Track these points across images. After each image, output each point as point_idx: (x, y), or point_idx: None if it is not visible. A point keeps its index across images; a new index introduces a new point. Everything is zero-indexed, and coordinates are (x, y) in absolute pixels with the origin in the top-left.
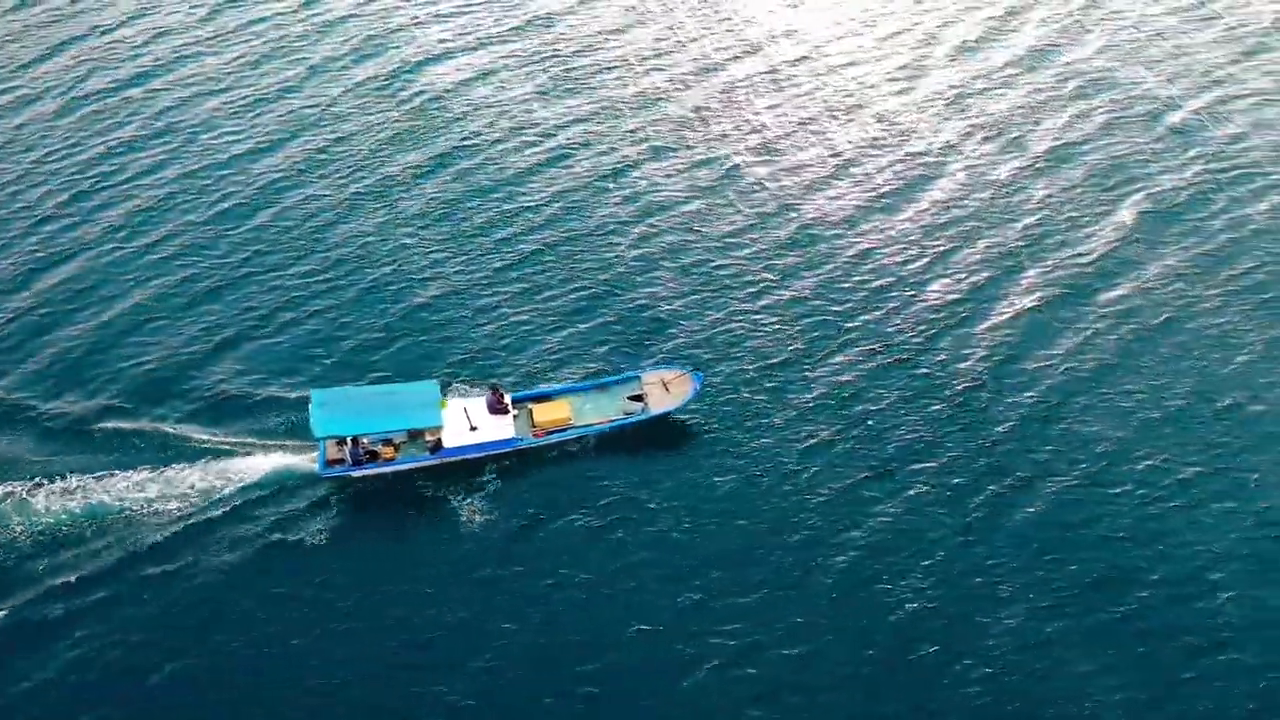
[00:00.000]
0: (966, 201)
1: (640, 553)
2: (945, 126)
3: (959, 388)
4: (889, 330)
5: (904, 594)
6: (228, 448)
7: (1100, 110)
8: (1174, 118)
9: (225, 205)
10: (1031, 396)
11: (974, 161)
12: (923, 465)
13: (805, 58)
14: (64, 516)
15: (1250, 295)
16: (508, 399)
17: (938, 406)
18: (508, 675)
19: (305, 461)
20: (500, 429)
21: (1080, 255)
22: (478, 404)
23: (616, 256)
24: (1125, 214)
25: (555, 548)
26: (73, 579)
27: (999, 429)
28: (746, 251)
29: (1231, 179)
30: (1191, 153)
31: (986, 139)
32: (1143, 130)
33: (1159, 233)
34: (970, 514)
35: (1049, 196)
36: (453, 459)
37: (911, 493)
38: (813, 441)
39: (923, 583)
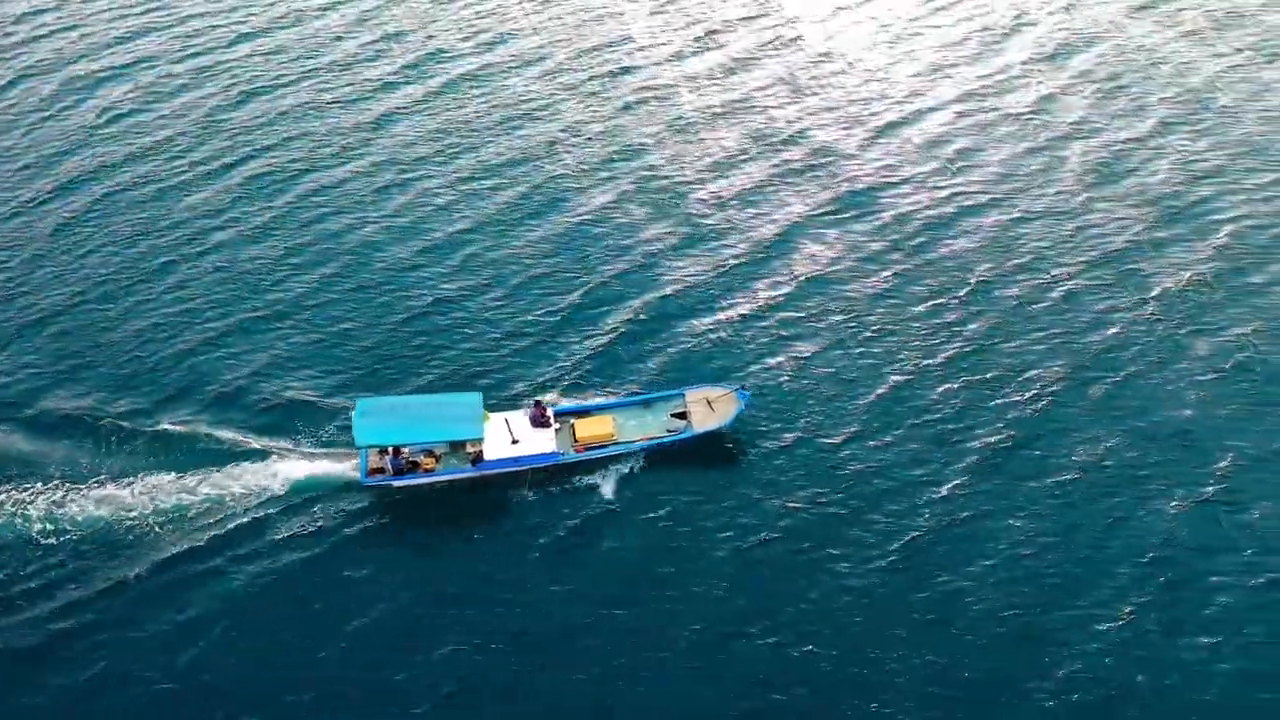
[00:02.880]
0: (1015, 211)
1: (680, 569)
2: (987, 134)
3: (1003, 399)
4: (943, 345)
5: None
6: (271, 453)
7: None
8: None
9: (282, 216)
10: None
11: (1018, 169)
12: (976, 469)
13: (840, 68)
14: (101, 518)
15: None
16: (550, 413)
17: (989, 417)
18: (543, 691)
19: (348, 470)
20: (541, 443)
21: (1128, 266)
22: (520, 417)
23: (664, 274)
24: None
25: (594, 563)
26: (105, 581)
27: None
28: (798, 272)
29: None
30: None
31: (1023, 145)
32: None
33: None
34: (1022, 535)
35: (1103, 212)
36: (493, 471)
37: (973, 503)
38: (861, 465)
39: (982, 597)
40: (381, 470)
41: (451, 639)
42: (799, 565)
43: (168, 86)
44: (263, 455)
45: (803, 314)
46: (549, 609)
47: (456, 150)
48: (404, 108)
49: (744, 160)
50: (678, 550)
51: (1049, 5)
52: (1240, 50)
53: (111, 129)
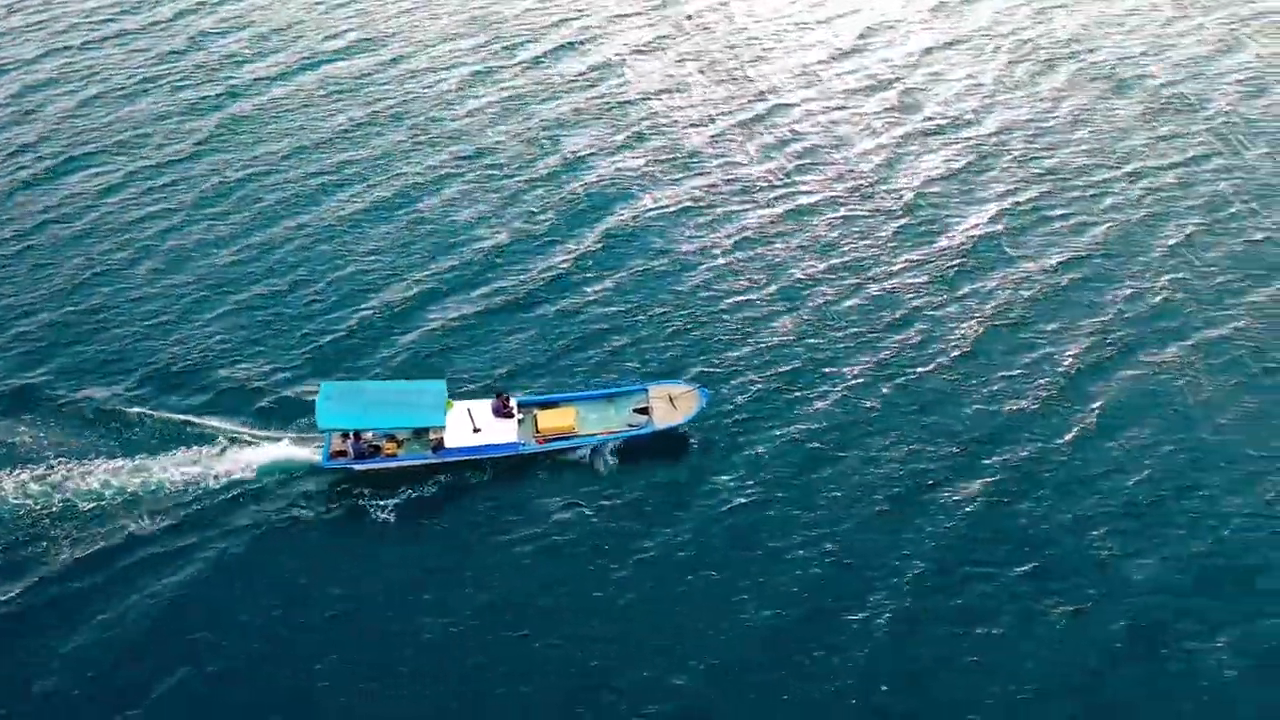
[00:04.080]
0: (976, 218)
1: (630, 565)
2: (955, 142)
3: (970, 401)
4: (902, 353)
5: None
6: (235, 436)
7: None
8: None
9: (249, 202)
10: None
11: (986, 176)
12: (933, 482)
13: (812, 74)
14: (65, 501)
15: None
16: (513, 403)
17: (949, 423)
18: (489, 675)
19: (311, 453)
20: (503, 432)
21: (1111, 289)
22: (483, 406)
23: (632, 270)
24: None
25: (547, 552)
26: (70, 563)
27: (988, 435)
28: (765, 269)
29: None
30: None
31: (1000, 158)
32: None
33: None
34: (970, 529)
35: (1078, 220)
36: (454, 459)
37: (927, 511)
38: (817, 467)
39: (915, 599)
40: (343, 453)
41: (398, 621)
42: (750, 559)
43: (119, 78)
44: (226, 439)
45: (777, 318)
46: (501, 595)
47: (428, 140)
48: (384, 97)
49: (721, 162)
50: (629, 540)
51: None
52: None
53: (78, 116)
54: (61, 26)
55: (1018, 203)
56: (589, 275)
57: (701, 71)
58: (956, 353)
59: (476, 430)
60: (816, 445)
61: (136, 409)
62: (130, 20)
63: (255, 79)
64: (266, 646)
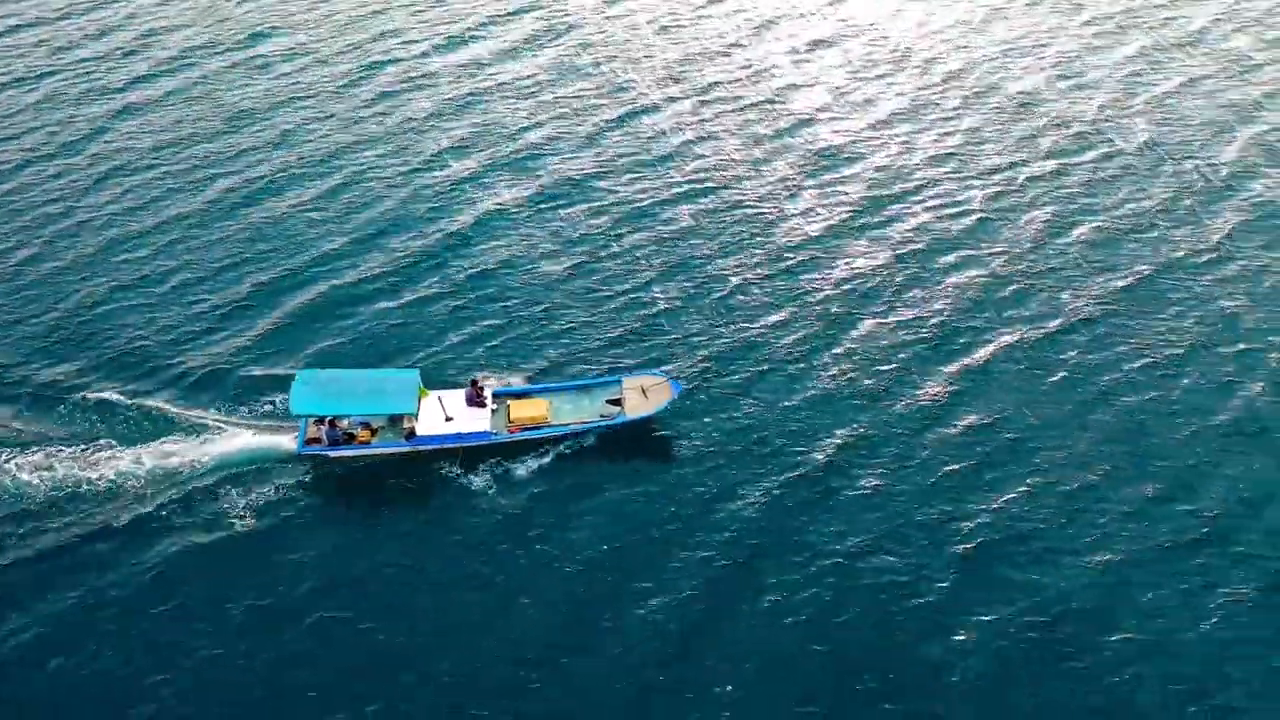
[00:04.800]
0: (954, 217)
1: (601, 552)
2: (937, 141)
3: (937, 394)
4: (877, 347)
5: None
6: (214, 424)
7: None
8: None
9: (229, 189)
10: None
11: (964, 178)
12: (902, 472)
13: (790, 79)
14: (39, 487)
15: None
16: (487, 393)
17: (916, 416)
18: (450, 663)
19: (288, 440)
20: (475, 422)
21: (1080, 281)
22: (456, 395)
23: (615, 261)
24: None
25: (512, 541)
26: (43, 549)
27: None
28: (739, 262)
29: None
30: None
31: (984, 156)
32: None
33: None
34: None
35: (1045, 219)
36: (427, 447)
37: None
38: (786, 461)
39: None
40: (318, 440)
41: (364, 608)
42: (711, 558)
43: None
44: (205, 425)
45: (754, 310)
46: (461, 584)
47: (407, 129)
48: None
49: (703, 155)
50: (596, 530)
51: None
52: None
53: (92, 105)
54: None
55: (1000, 185)
56: (574, 267)
57: (666, 67)
58: (947, 352)
59: (449, 419)
60: (789, 440)
61: (113, 395)
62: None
63: (230, 67)
64: (232, 636)
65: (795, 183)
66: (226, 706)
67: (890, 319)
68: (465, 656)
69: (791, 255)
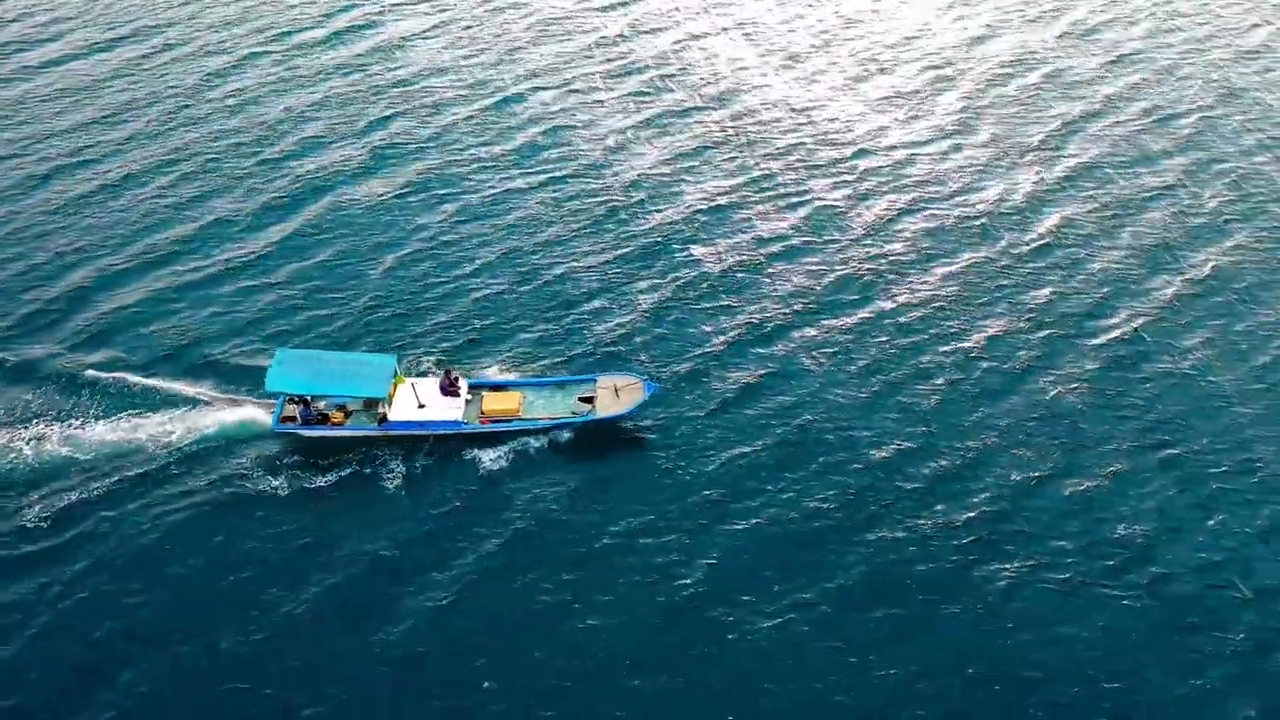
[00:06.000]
0: (932, 211)
1: (555, 546)
2: (914, 136)
3: (914, 399)
4: (855, 349)
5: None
6: (192, 397)
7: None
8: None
9: (220, 172)
10: (985, 403)
11: (934, 172)
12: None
13: (769, 77)
14: (12, 458)
15: None
16: (462, 384)
17: (893, 417)
18: (399, 649)
19: (265, 417)
20: (447, 410)
21: (1052, 287)
22: (430, 384)
23: (595, 258)
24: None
25: (472, 529)
26: (15, 521)
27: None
28: (720, 266)
29: None
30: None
31: (948, 143)
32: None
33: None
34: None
35: (1012, 215)
36: (398, 433)
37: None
38: (757, 464)
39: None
40: (293, 419)
41: (327, 584)
42: (661, 561)
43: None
44: (182, 399)
45: (728, 313)
46: (414, 569)
47: (410, 111)
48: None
49: (681, 156)
50: (557, 524)
51: None
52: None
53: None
54: None
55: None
56: (557, 261)
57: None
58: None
59: (421, 406)
60: (759, 444)
61: (96, 370)
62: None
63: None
64: (200, 603)
65: (778, 183)
66: (181, 674)
67: (853, 314)
68: (414, 639)
69: (761, 253)
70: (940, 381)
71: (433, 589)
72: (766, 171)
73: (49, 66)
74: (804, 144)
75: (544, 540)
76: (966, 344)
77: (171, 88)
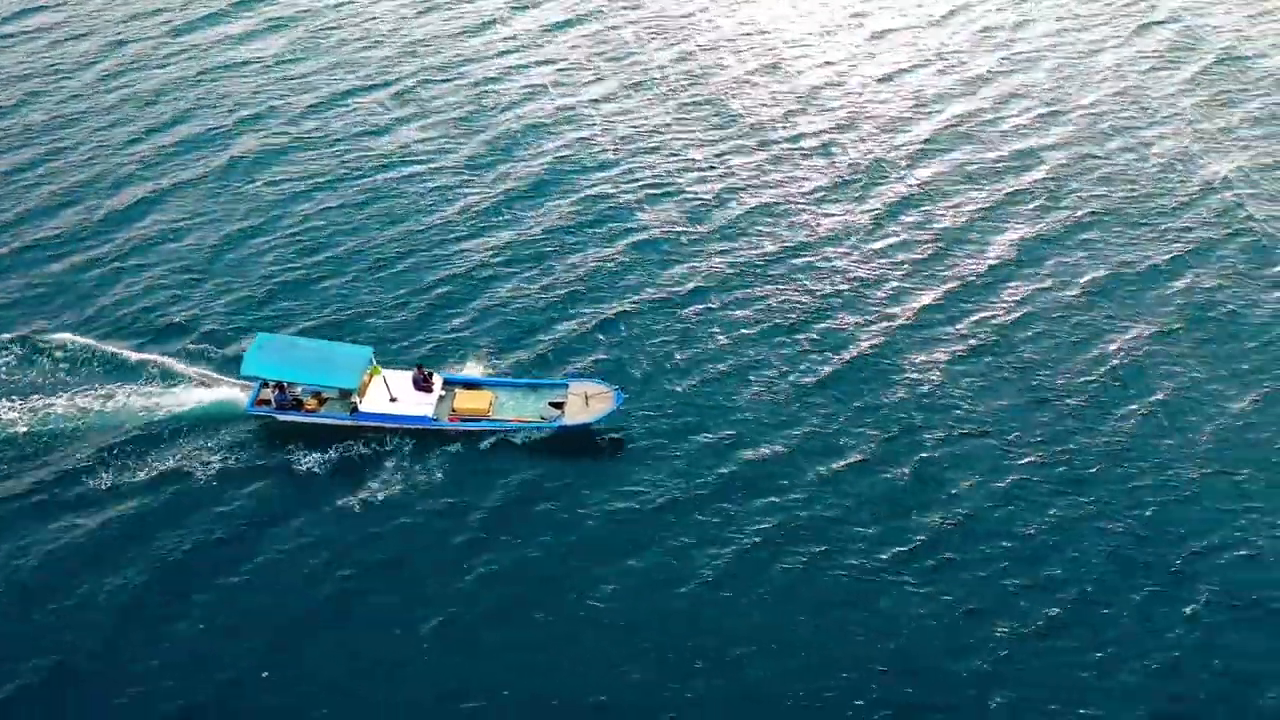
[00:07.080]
0: (908, 213)
1: (517, 545)
2: (893, 144)
3: (890, 400)
4: (829, 359)
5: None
6: (170, 374)
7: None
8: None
9: (214, 157)
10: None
11: (915, 172)
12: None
13: (745, 77)
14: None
15: None
16: (436, 380)
17: (870, 420)
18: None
19: (243, 397)
20: (418, 406)
21: (1037, 282)
22: (403, 377)
23: (579, 264)
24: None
25: (432, 525)
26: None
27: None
28: (696, 274)
29: None
30: None
31: (918, 150)
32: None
33: None
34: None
35: (983, 218)
36: (367, 424)
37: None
38: (727, 472)
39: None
40: (268, 402)
41: (284, 570)
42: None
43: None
44: (160, 375)
45: (711, 324)
46: (372, 562)
47: (403, 121)
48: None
49: (668, 162)
50: (519, 522)
51: None
52: None
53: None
54: None
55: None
56: (541, 265)
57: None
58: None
59: (393, 399)
60: (730, 457)
61: (80, 341)
62: None
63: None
64: (155, 581)
65: (768, 189)
66: (140, 647)
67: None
68: (360, 631)
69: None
70: (903, 394)
71: (382, 585)
72: (763, 177)
73: None
74: (789, 155)
75: (505, 538)
76: (930, 349)
77: (169, 55)
